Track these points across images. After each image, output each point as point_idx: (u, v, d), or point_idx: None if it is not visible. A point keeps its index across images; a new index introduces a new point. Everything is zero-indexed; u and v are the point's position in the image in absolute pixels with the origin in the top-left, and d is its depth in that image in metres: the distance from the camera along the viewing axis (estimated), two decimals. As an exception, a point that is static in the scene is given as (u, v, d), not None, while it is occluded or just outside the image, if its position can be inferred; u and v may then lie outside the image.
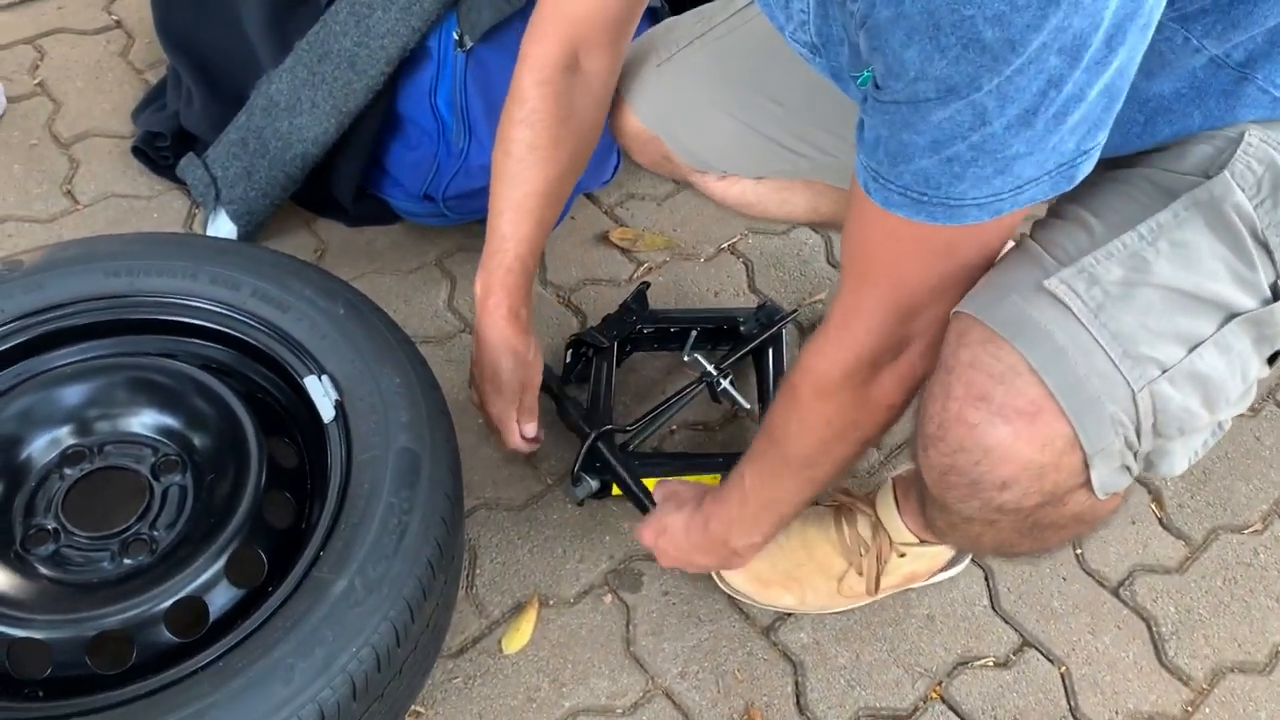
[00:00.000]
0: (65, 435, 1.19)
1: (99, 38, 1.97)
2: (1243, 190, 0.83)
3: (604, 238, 1.75)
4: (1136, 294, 0.81)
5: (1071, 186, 0.78)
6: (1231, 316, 0.82)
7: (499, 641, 1.29)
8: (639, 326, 1.53)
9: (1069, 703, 1.31)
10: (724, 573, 1.33)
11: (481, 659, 1.28)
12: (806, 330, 1.65)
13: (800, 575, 1.32)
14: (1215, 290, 0.82)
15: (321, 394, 1.19)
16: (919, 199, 0.78)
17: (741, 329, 1.54)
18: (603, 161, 1.68)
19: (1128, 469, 0.85)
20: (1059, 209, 0.91)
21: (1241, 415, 1.60)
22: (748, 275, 1.73)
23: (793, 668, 1.31)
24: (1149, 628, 1.38)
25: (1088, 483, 0.84)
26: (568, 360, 1.50)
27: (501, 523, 1.40)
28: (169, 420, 1.21)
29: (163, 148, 1.71)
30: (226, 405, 1.19)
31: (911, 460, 0.95)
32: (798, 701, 1.28)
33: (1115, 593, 1.41)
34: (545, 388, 1.40)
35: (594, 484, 1.37)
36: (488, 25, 1.42)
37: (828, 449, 1.03)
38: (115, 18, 2.00)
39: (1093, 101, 0.72)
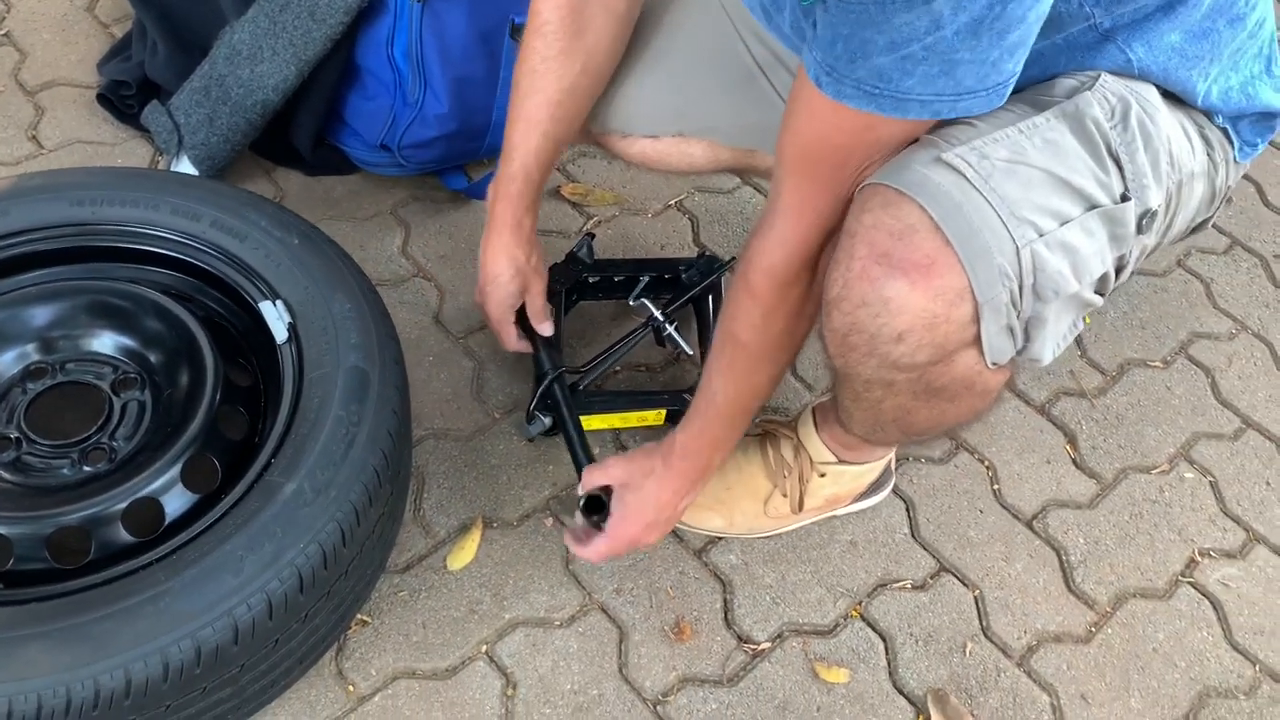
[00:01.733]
0: (29, 352, 1.25)
1: (66, -8, 2.01)
2: (1100, 110, 0.98)
3: (555, 192, 1.82)
4: (1018, 170, 0.92)
5: (1001, 104, 0.89)
6: (1092, 207, 0.95)
7: (444, 559, 1.36)
8: (585, 275, 1.60)
9: (981, 623, 1.39)
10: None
11: (426, 574, 1.35)
12: (747, 282, 1.73)
13: (728, 498, 1.40)
14: (1080, 183, 0.95)
15: (275, 317, 1.25)
16: (871, 92, 0.87)
17: (683, 277, 1.61)
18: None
19: (1011, 332, 0.95)
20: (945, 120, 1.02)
21: (1154, 367, 1.71)
22: (693, 230, 1.81)
23: (722, 586, 1.38)
24: (1059, 557, 1.47)
25: (976, 341, 0.94)
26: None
27: (449, 452, 1.47)
28: (129, 341, 1.27)
29: (127, 96, 1.76)
30: (184, 326, 1.25)
31: (818, 337, 1.03)
32: (725, 617, 1.36)
33: (1029, 525, 1.50)
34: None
35: (546, 421, 1.43)
36: (443, -23, 1.48)
37: (792, 331, 1.11)
38: (82, -26, 2.04)
39: (1027, 25, 0.83)
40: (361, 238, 1.70)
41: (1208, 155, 1.11)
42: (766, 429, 1.42)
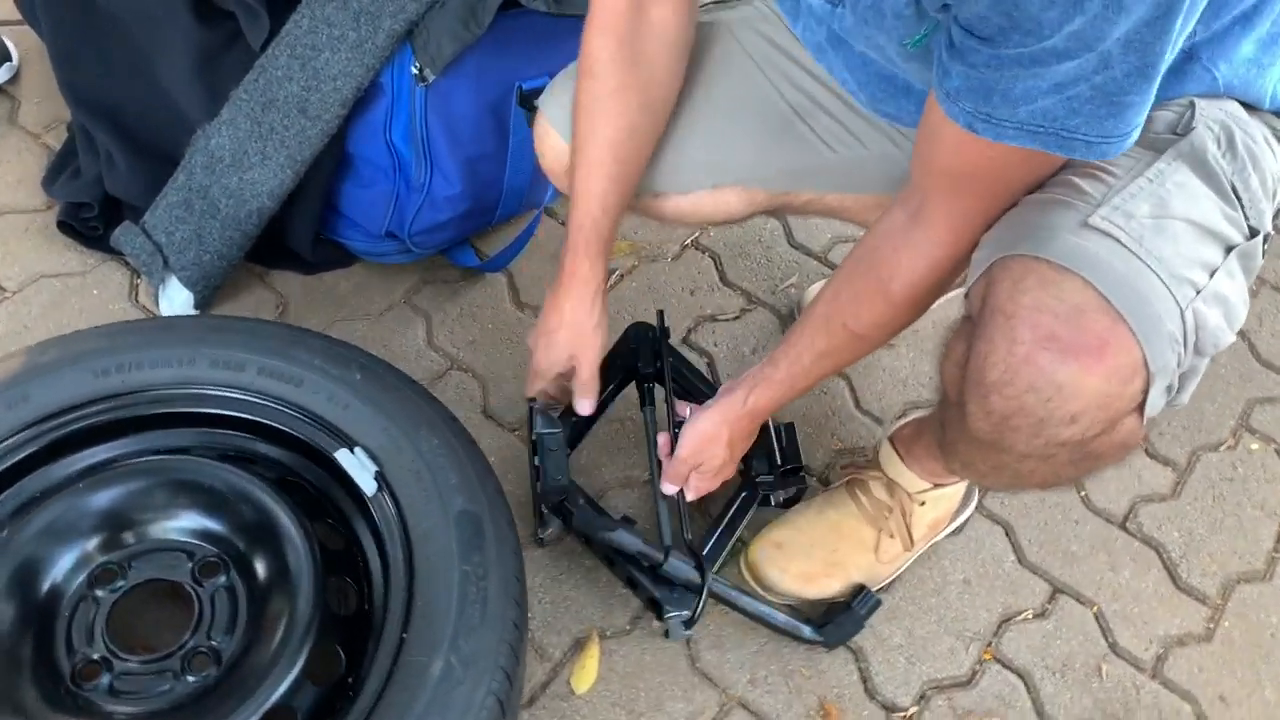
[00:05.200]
0: (90, 554, 1.12)
1: (-23, 103, 1.81)
2: (1212, 143, 0.95)
3: (569, 250, 1.72)
4: (1165, 225, 0.89)
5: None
6: (1230, 248, 0.92)
7: (568, 683, 1.28)
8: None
9: (1107, 640, 1.38)
10: (770, 582, 1.34)
11: (555, 704, 1.26)
12: (785, 318, 1.67)
13: (838, 559, 1.35)
14: (1217, 226, 0.92)
15: (358, 467, 1.15)
16: (1035, 131, 0.84)
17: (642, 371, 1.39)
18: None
19: (1169, 390, 0.92)
20: (1060, 172, 0.98)
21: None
22: (716, 269, 1.73)
23: (853, 655, 1.34)
24: (1159, 556, 1.47)
25: (1139, 407, 0.90)
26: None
27: (541, 561, 1.38)
28: (198, 520, 1.15)
29: (89, 218, 1.59)
30: (256, 495, 1.13)
31: (950, 410, 0.98)
32: (865, 687, 1.31)
33: (1123, 526, 1.49)
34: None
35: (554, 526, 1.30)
36: (450, 57, 1.36)
37: (899, 328, 1.11)
38: (-10, 80, 1.84)
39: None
40: (382, 336, 1.58)
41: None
42: (849, 477, 1.38)
